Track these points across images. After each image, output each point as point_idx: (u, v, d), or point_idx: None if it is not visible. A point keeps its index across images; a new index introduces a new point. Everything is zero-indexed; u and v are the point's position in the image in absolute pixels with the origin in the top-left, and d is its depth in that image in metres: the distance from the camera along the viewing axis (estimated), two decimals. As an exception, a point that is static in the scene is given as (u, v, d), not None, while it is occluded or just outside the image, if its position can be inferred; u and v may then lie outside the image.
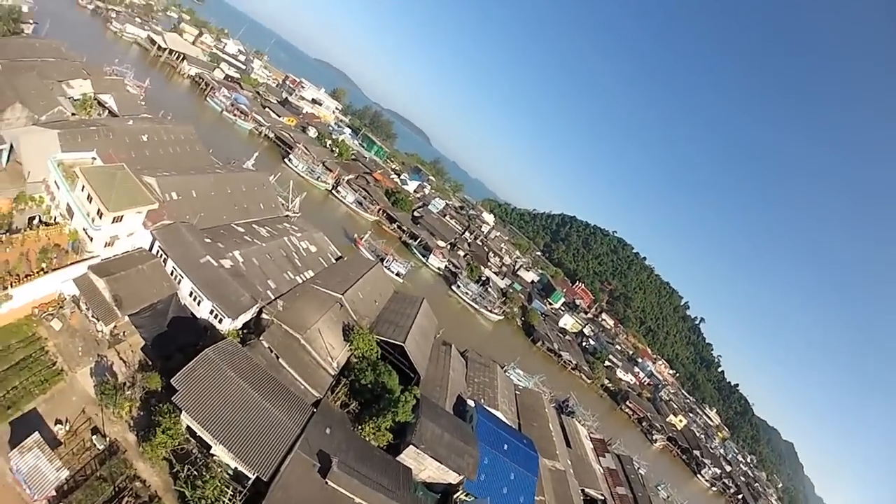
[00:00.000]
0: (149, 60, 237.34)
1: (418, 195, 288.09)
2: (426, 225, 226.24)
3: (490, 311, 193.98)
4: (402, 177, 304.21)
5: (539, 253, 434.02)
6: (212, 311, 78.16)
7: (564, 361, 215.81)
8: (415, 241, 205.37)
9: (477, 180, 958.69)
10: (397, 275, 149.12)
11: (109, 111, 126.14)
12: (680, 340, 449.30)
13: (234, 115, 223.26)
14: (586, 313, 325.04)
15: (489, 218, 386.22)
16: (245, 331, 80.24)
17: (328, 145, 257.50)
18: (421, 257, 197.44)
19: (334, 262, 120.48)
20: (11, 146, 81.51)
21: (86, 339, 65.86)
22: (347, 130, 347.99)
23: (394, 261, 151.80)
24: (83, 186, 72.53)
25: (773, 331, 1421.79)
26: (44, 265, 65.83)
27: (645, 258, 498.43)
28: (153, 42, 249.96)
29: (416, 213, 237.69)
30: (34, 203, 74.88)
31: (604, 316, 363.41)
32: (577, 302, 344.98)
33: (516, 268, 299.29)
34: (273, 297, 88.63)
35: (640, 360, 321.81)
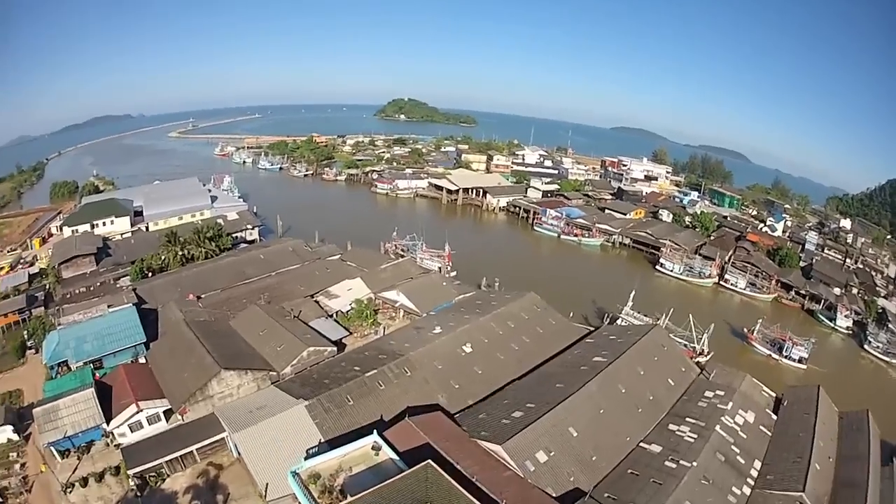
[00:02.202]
0: (443, 210, 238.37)
1: (787, 235, 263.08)
2: (818, 275, 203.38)
3: None
4: (767, 223, 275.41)
5: (889, 236, 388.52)
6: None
7: None
8: (819, 303, 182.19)
9: (802, 178, 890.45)
10: (799, 361, 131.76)
11: (405, 309, 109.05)
12: None
13: (575, 234, 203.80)
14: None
15: (846, 223, 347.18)
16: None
17: (687, 223, 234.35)
18: (829, 322, 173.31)
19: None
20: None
21: None
22: (694, 194, 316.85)
23: (793, 346, 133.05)
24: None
25: None
26: None
27: None
28: (439, 188, 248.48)
29: (803, 265, 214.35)
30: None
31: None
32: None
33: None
34: None
35: None
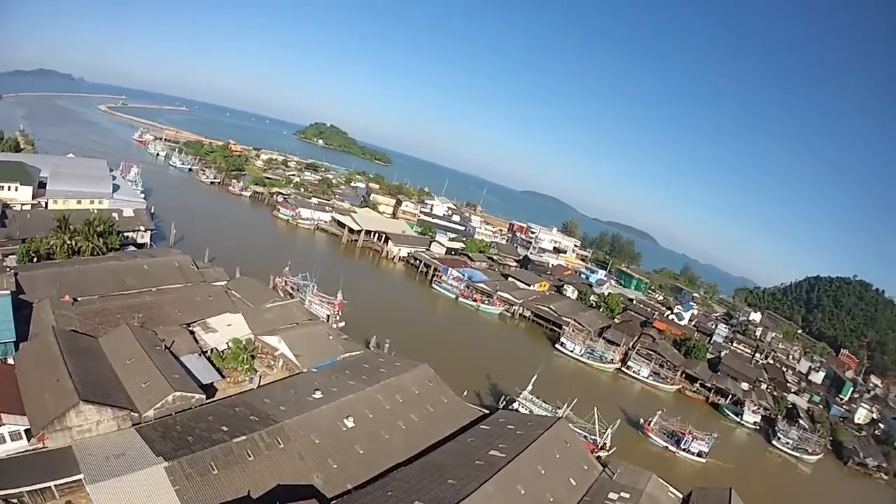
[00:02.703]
0: (342, 249, 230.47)
1: (693, 324, 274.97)
2: (726, 369, 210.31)
3: (811, 454, 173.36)
4: (675, 311, 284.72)
5: (800, 331, 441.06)
6: None
7: (870, 469, 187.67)
8: (725, 398, 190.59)
9: (709, 265, 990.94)
10: (699, 455, 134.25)
11: (286, 361, 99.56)
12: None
13: (475, 299, 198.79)
14: (854, 385, 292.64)
15: (756, 317, 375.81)
16: None
17: (593, 303, 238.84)
18: (734, 416, 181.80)
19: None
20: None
21: None
22: (601, 273, 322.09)
23: (693, 441, 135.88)
24: None
25: None
26: None
27: (884, 291, 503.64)
28: (341, 225, 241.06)
29: (710, 356, 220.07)
30: None
31: (872, 378, 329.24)
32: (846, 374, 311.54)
33: (808, 374, 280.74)
34: None
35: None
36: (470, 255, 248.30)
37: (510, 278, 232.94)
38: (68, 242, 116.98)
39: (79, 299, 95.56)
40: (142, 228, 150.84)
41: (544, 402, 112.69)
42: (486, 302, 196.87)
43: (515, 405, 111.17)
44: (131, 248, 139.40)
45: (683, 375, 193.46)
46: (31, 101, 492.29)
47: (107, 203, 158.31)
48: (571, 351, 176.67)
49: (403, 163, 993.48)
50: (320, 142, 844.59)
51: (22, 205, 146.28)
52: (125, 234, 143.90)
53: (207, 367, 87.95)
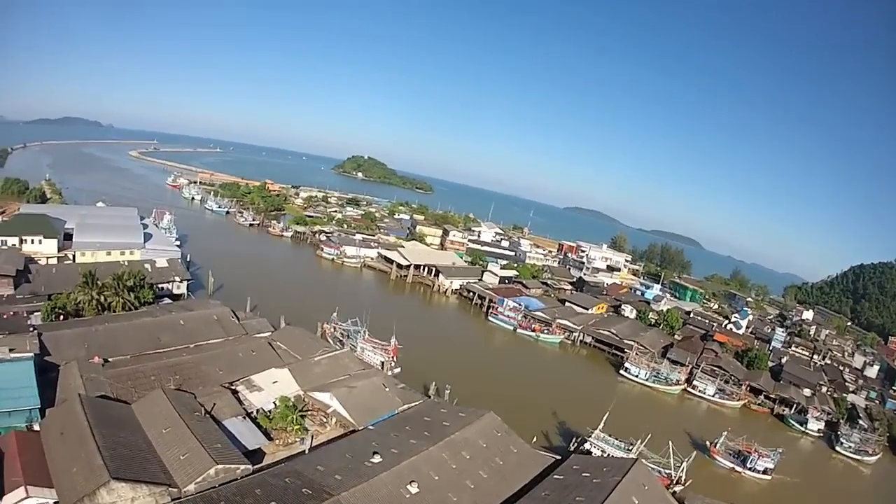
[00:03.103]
0: (391, 286, 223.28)
1: (751, 331, 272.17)
2: (788, 376, 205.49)
3: (871, 454, 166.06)
4: (732, 319, 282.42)
5: (849, 323, 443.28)
6: None
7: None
8: (790, 408, 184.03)
9: (755, 265, 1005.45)
10: (764, 472, 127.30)
11: (339, 419, 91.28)
12: None
13: (533, 329, 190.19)
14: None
15: (808, 315, 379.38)
16: None
17: (652, 321, 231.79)
18: (799, 426, 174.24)
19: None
20: None
21: None
22: (656, 287, 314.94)
23: (758, 458, 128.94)
24: None
25: None
26: None
27: None
28: (389, 261, 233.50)
29: (771, 364, 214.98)
30: None
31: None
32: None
33: (863, 369, 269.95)
34: None
35: None
36: (524, 282, 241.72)
37: (567, 303, 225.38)
38: (97, 298, 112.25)
39: (110, 360, 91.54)
40: (177, 279, 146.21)
41: (617, 440, 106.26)
42: (546, 331, 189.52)
43: (587, 445, 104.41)
44: (166, 300, 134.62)
45: (748, 389, 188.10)
46: (56, 149, 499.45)
47: (138, 253, 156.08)
48: (636, 376, 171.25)
49: (445, 189, 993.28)
50: (359, 174, 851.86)
51: (47, 258, 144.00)
52: (159, 285, 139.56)
53: (253, 430, 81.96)
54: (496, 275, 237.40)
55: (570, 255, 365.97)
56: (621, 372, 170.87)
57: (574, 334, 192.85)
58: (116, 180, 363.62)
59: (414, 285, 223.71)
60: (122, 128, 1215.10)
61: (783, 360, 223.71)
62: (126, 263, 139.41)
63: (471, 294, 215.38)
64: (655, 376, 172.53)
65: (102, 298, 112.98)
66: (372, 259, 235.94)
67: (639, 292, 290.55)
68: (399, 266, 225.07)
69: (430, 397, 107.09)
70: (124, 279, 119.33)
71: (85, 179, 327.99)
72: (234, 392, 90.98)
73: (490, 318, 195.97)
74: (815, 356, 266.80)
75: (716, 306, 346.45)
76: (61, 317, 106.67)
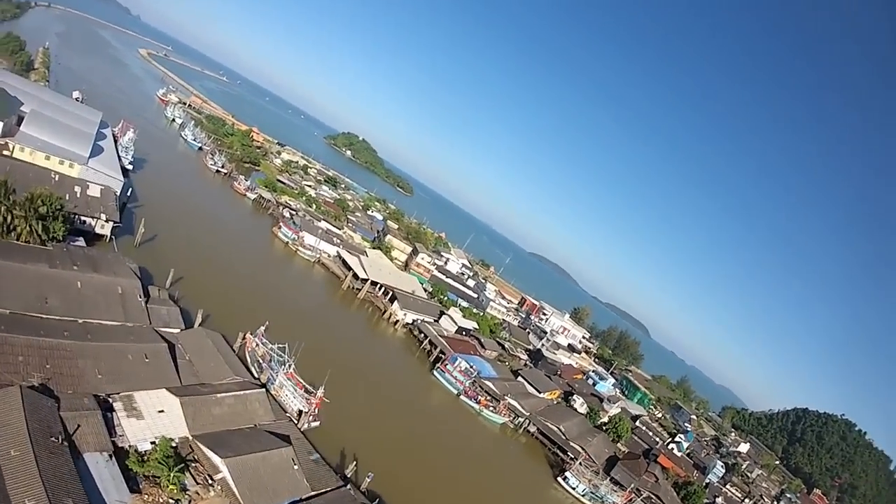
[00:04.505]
0: (339, 297, 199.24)
1: (688, 453, 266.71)
2: None
3: None
4: (676, 439, 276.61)
5: (778, 462, 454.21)
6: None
7: None
8: None
9: (693, 367, 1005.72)
10: None
11: (227, 491, 71.45)
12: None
13: (478, 402, 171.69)
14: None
15: (744, 447, 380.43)
16: None
17: (602, 423, 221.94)
18: None
19: None
20: None
21: None
22: (609, 382, 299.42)
23: None
24: None
25: None
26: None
27: (866, 433, 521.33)
28: (347, 267, 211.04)
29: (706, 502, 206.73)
30: None
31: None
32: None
33: None
34: None
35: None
36: (482, 339, 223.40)
37: (520, 377, 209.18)
38: (4, 217, 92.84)
39: None
40: (103, 217, 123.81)
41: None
42: (491, 407, 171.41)
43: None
44: (79, 241, 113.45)
45: None
46: (73, 20, 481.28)
47: (77, 169, 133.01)
48: (574, 488, 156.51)
49: (424, 195, 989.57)
50: (348, 153, 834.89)
51: None
52: (81, 217, 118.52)
53: (118, 479, 62.19)
54: (455, 322, 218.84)
55: (532, 316, 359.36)
56: (559, 480, 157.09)
57: (520, 419, 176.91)
58: (110, 74, 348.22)
59: (364, 303, 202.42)
60: (147, 23, 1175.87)
61: (717, 500, 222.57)
62: (56, 178, 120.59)
63: (421, 336, 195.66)
64: (593, 496, 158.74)
65: (10, 219, 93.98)
66: (328, 257, 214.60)
67: (591, 381, 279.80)
68: (355, 276, 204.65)
69: (345, 483, 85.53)
70: (36, 204, 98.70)
71: (82, 62, 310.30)
72: (108, 409, 70.94)
73: (435, 372, 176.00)
74: (748, 500, 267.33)
75: (660, 415, 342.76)
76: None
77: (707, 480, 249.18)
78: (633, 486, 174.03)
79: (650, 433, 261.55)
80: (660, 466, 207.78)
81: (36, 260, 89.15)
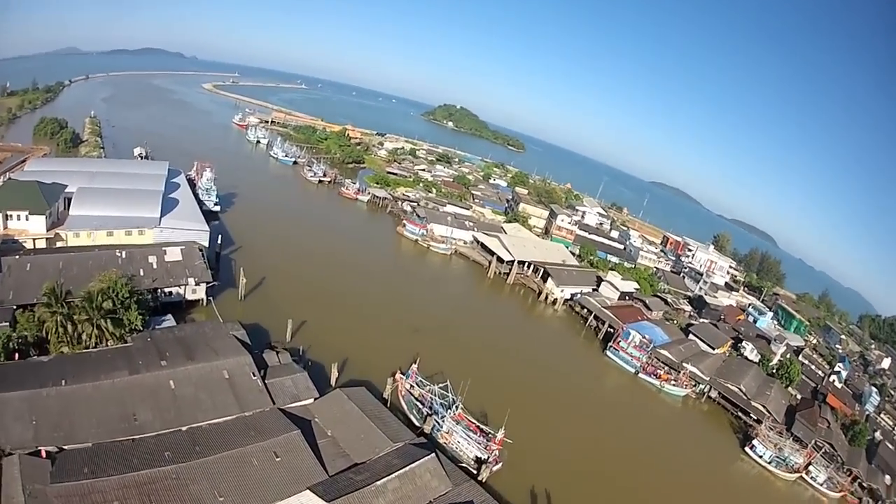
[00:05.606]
0: (487, 286, 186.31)
1: (846, 382, 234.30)
2: (880, 461, 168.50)
3: None
4: (835, 369, 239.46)
5: None
6: None
7: None
8: (875, 502, 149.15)
9: (822, 273, 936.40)
10: None
11: None
12: None
13: (658, 377, 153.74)
14: None
15: (886, 364, 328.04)
16: None
17: (772, 369, 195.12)
18: None
19: None
20: None
21: None
22: (769, 315, 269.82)
23: None
24: None
25: None
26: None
27: None
28: (489, 251, 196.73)
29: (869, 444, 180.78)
30: None
31: None
32: None
33: None
34: None
35: None
36: (646, 300, 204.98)
37: (691, 335, 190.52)
38: (64, 323, 77.98)
39: (64, 448, 60.28)
40: (191, 281, 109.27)
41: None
42: (672, 381, 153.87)
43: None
44: (167, 320, 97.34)
45: (853, 480, 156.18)
46: (119, 82, 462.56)
47: (150, 234, 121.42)
48: (761, 457, 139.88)
49: (538, 149, 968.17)
50: (450, 124, 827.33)
51: (34, 240, 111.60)
52: (164, 290, 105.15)
53: None
54: (616, 288, 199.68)
55: (679, 254, 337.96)
56: (747, 449, 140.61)
57: (701, 385, 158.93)
58: (174, 117, 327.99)
59: (515, 287, 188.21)
60: (205, 59, 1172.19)
61: (876, 435, 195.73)
62: (122, 255, 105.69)
63: (584, 311, 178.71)
64: (779, 459, 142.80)
65: (71, 327, 78.50)
66: (465, 244, 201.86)
67: (751, 317, 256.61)
68: (500, 260, 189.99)
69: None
70: (97, 302, 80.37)
71: (138, 116, 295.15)
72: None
73: (608, 352, 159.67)
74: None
75: (814, 341, 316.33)
76: (16, 354, 74.01)
77: (866, 412, 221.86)
78: (813, 441, 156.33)
79: (812, 366, 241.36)
80: (829, 408, 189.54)
81: (111, 367, 73.71)
